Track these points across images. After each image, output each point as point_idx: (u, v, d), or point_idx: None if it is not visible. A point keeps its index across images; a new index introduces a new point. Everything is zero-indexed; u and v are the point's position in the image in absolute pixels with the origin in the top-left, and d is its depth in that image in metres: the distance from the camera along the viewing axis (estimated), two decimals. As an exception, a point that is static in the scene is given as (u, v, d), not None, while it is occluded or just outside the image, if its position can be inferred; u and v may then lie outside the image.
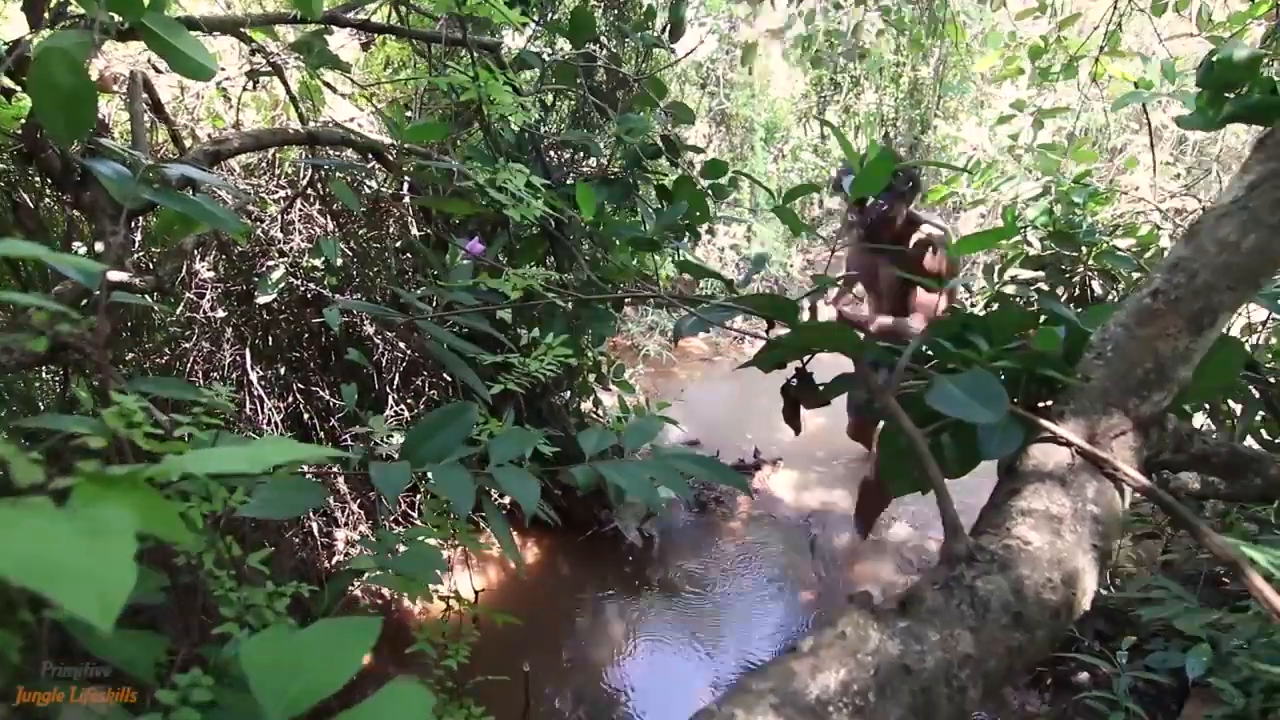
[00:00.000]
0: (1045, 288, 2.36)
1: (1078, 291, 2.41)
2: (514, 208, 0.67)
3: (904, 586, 0.69)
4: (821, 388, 0.85)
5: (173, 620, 0.83)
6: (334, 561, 2.53)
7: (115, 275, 1.33)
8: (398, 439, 2.71)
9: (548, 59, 1.79)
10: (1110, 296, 2.34)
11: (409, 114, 1.65)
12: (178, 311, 1.89)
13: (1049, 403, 0.79)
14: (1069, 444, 0.72)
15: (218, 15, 1.23)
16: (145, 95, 1.46)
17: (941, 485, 0.63)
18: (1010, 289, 2.37)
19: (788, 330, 0.72)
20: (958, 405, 0.65)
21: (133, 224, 1.46)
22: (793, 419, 0.91)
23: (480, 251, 1.15)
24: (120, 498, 0.38)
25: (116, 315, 1.57)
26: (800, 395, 0.86)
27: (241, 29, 1.23)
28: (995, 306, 2.48)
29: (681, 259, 0.86)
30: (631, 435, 0.80)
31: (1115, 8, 2.22)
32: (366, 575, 0.92)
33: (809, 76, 6.12)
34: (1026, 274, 2.38)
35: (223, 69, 1.55)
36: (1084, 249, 2.27)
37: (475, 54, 1.33)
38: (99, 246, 1.34)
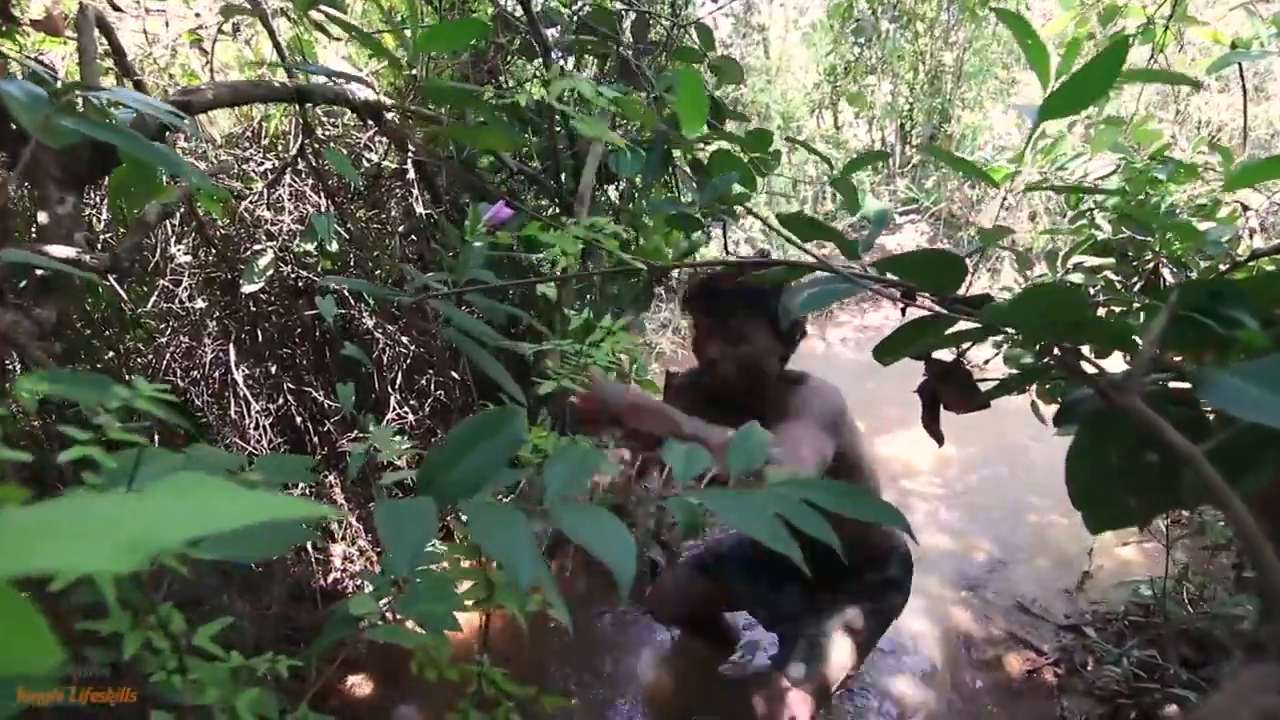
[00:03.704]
0: (1113, 276, 2.14)
1: (1147, 281, 2.19)
2: (584, 123, 0.46)
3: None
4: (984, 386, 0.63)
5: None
6: (330, 579, 2.31)
7: (61, 251, 1.10)
8: (402, 443, 2.50)
9: (572, 11, 1.57)
10: (1185, 285, 2.11)
11: (414, 72, 1.42)
12: (151, 301, 1.66)
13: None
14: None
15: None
16: (104, 41, 1.23)
17: (1253, 530, 0.40)
18: (1076, 277, 2.15)
19: (979, 302, 0.50)
20: (1262, 406, 0.43)
21: (86, 191, 1.23)
22: (933, 425, 0.68)
23: (509, 217, 0.92)
24: None
25: (69, 301, 1.34)
26: (952, 396, 0.64)
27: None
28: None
29: (803, 217, 0.66)
30: (737, 454, 0.58)
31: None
32: (365, 623, 0.70)
33: (822, 65, 5.89)
34: (1093, 261, 2.16)
35: (196, 14, 1.33)
36: (1157, 233, 2.05)
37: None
38: (42, 218, 1.12)
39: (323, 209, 1.67)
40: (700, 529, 0.51)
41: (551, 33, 1.61)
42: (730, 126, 2.05)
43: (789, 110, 5.67)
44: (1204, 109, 4.94)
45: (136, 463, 0.46)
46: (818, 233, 0.67)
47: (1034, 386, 2.38)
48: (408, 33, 1.66)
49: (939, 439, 0.69)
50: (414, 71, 1.41)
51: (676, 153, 1.74)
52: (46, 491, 0.38)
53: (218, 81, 1.17)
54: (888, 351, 0.68)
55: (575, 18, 1.53)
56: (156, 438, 1.57)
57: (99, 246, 1.20)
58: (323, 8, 1.12)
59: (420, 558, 0.40)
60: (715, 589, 1.83)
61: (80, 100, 0.68)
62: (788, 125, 5.46)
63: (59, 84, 0.94)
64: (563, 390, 0.59)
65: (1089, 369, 0.55)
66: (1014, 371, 0.57)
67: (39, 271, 1.10)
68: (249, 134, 1.66)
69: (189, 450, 0.72)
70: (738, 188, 1.53)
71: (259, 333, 1.90)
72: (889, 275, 0.62)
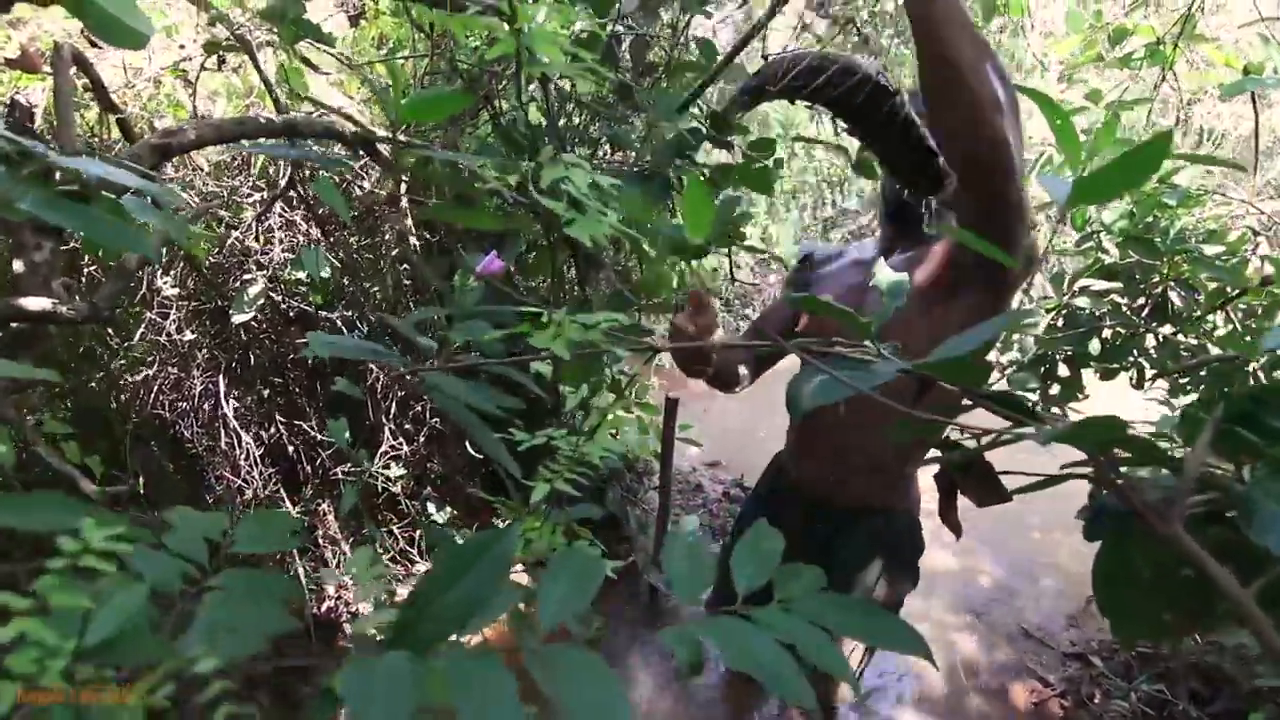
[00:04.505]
0: (1120, 300, 2.10)
1: (1155, 304, 2.15)
2: (576, 221, 0.42)
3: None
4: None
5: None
6: (324, 608, 2.27)
7: (37, 304, 1.06)
8: (397, 471, 2.45)
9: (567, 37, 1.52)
10: (1193, 312, 2.08)
11: (405, 100, 1.38)
12: (138, 334, 1.62)
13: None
14: None
15: (165, -28, 0.97)
16: (83, 76, 1.19)
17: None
18: (1082, 301, 2.11)
19: (1026, 420, 0.46)
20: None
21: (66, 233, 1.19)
22: (950, 515, 0.65)
23: (498, 270, 0.88)
24: None
25: (48, 346, 1.30)
26: (972, 488, 0.60)
27: (195, -11, 0.96)
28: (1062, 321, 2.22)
29: (799, 299, 0.62)
30: (744, 563, 0.54)
31: (1202, -14, 1.96)
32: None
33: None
34: (1100, 284, 2.12)
35: (181, 46, 1.29)
36: (1165, 257, 2.01)
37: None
38: (18, 266, 1.07)
39: (314, 238, 1.63)
40: (699, 666, 0.47)
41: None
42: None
43: (789, 118, 5.63)
44: (1206, 117, 4.90)
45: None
46: (823, 309, 0.63)
47: (1038, 409, 2.34)
48: (402, 60, 1.62)
49: (957, 531, 0.65)
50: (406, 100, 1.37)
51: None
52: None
53: (200, 120, 1.13)
54: (900, 435, 0.64)
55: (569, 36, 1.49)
56: (142, 480, 1.54)
57: (81, 289, 1.16)
58: (320, 47, 1.08)
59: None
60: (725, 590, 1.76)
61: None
62: (788, 131, 5.42)
63: (33, 133, 0.90)
64: (556, 493, 0.55)
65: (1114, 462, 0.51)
66: (1040, 476, 0.53)
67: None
68: (239, 162, 1.61)
69: (170, 512, 0.69)
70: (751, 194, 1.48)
71: (250, 362, 1.86)
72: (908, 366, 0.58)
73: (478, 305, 0.92)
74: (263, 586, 0.69)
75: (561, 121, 1.94)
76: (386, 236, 1.89)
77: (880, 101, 1.02)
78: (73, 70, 1.19)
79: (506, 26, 0.47)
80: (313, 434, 1.90)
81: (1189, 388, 2.25)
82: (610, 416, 0.62)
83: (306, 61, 1.14)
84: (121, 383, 1.73)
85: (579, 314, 0.56)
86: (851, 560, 1.32)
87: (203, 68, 1.15)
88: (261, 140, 0.89)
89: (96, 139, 1.48)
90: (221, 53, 1.16)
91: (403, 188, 1.56)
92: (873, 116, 1.03)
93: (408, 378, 0.76)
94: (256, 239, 1.58)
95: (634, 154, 1.52)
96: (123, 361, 1.70)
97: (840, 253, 1.45)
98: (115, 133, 1.41)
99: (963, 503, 0.66)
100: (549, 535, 0.59)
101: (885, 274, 0.71)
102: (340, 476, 2.07)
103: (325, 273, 1.91)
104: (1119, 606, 0.55)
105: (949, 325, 1.16)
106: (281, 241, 1.68)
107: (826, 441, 1.33)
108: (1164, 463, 0.50)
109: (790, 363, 1.51)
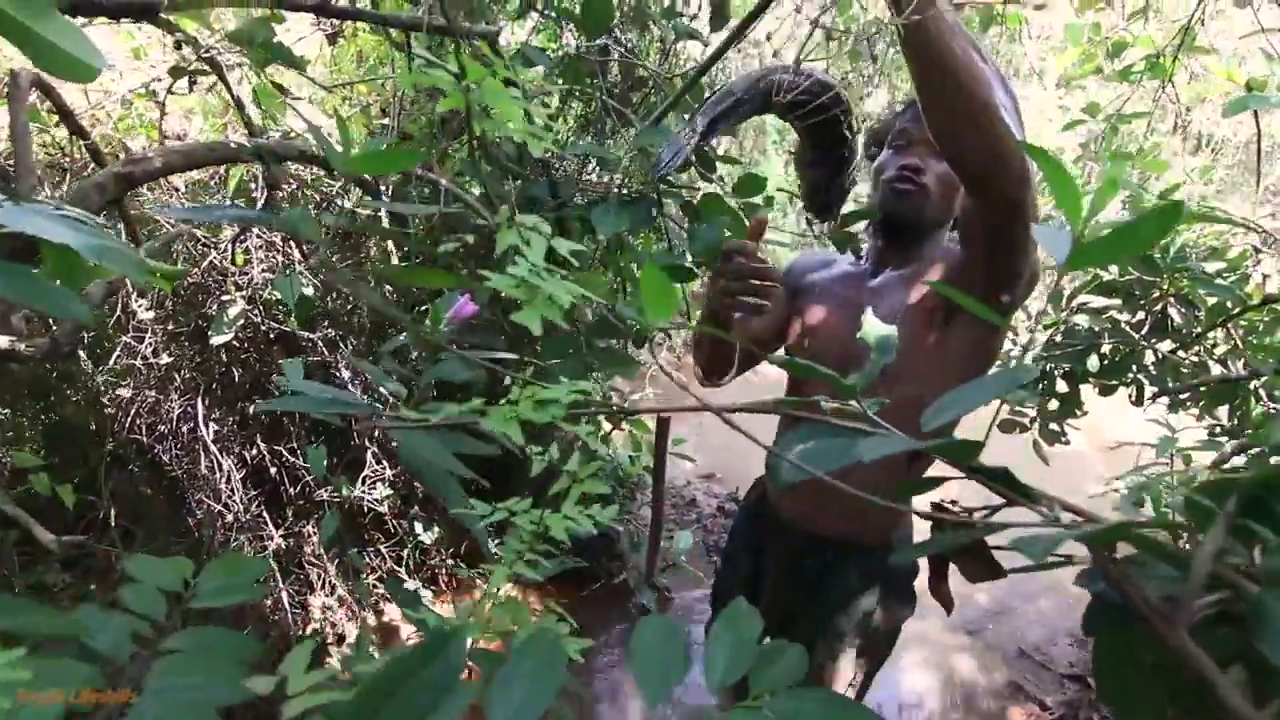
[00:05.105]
0: (1120, 316, 2.06)
1: (1154, 320, 2.12)
2: (530, 302, 0.38)
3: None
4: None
5: None
6: (309, 630, 2.23)
7: (-7, 340, 1.02)
8: (384, 490, 2.40)
9: (554, 55, 1.49)
10: (1193, 329, 2.05)
11: (385, 121, 1.34)
12: (113, 358, 1.58)
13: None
14: None
15: (126, -5, 0.92)
16: (47, 101, 1.15)
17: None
18: (1082, 318, 2.08)
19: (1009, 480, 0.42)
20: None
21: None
22: (941, 590, 0.61)
23: (472, 313, 0.84)
24: None
25: (18, 378, 1.26)
26: (969, 568, 0.56)
27: (158, 14, 0.92)
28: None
29: (782, 361, 0.59)
30: (719, 654, 0.50)
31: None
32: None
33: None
34: (1099, 301, 2.09)
35: (152, 66, 1.25)
36: (1165, 273, 1.98)
37: (468, 43, 1.02)
38: (-25, 300, 1.03)
39: (291, 261, 1.59)
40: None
41: (537, 71, 1.53)
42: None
43: (785, 127, 5.59)
44: (1205, 123, 4.86)
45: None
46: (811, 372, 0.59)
47: (1036, 425, 2.31)
48: (385, 75, 1.58)
49: (948, 606, 0.61)
50: (386, 121, 1.33)
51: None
52: None
53: (169, 146, 1.09)
54: (905, 554, 0.61)
55: (557, 60, 1.45)
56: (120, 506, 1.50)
57: (44, 323, 1.12)
58: (282, 66, 1.04)
59: None
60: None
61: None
62: (783, 140, 5.37)
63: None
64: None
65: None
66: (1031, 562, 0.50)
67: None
68: (215, 179, 1.57)
69: (129, 562, 0.65)
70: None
71: (231, 384, 1.82)
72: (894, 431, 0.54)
73: (451, 342, 0.88)
74: (220, 648, 0.65)
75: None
76: (371, 254, 1.85)
77: (842, 120, 1.04)
78: (35, 96, 1.15)
79: (455, 81, 0.43)
80: (294, 458, 1.86)
81: (1189, 404, 2.22)
82: (583, 481, 0.58)
83: (278, 86, 1.11)
84: (98, 406, 1.69)
85: (549, 377, 0.52)
86: (845, 597, 1.27)
87: (169, 91, 1.11)
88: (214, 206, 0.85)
89: (67, 158, 1.44)
90: (191, 76, 1.12)
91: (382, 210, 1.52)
92: (829, 132, 1.05)
93: (377, 433, 0.72)
94: (233, 261, 1.54)
95: (620, 176, 1.48)
96: (99, 385, 1.66)
97: (828, 260, 1.37)
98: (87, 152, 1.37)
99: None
100: (514, 611, 0.55)
101: (873, 326, 0.67)
102: (325, 497, 2.03)
103: (309, 290, 1.87)
104: (1122, 696, 0.52)
105: (949, 349, 1.13)
106: (261, 261, 1.64)
107: (808, 484, 1.28)
108: (1173, 560, 0.46)
109: (781, 371, 1.45)
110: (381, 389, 0.76)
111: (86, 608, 0.66)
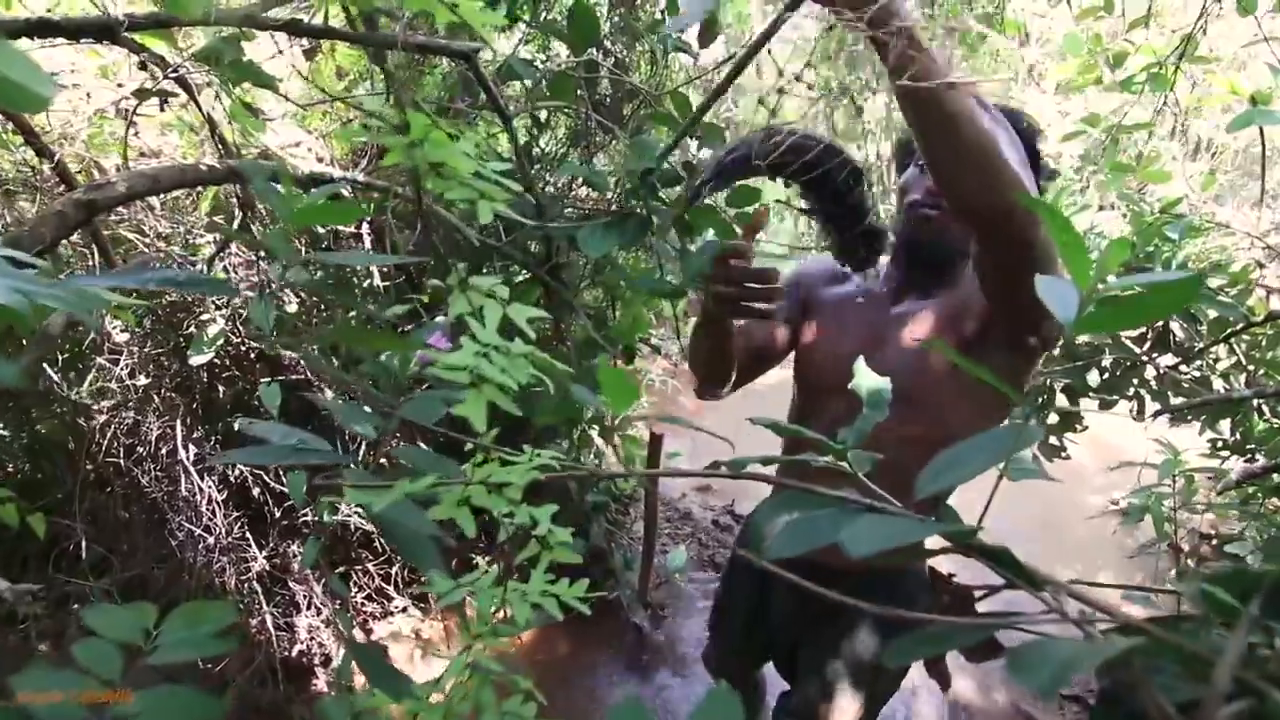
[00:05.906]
0: (1120, 331, 2.02)
1: (1156, 335, 2.08)
2: (468, 398, 0.34)
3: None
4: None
5: None
6: (295, 651, 2.18)
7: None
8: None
9: (540, 68, 1.44)
10: (1195, 344, 2.01)
11: (363, 140, 1.30)
12: (88, 381, 1.54)
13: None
14: None
15: (86, 17, 0.88)
16: (10, 122, 1.11)
17: None
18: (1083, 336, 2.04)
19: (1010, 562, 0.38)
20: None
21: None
22: (938, 666, 0.57)
23: (447, 348, 0.80)
24: None
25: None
26: (969, 648, 0.52)
27: (117, 35, 0.88)
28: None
29: (763, 422, 0.55)
30: None
31: (1204, 8, 1.89)
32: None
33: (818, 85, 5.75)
34: (1099, 315, 2.04)
35: (119, 85, 1.21)
36: (1167, 287, 1.93)
37: (442, 63, 0.98)
38: (-71, 333, 0.99)
39: (272, 277, 1.55)
40: None
41: (523, 84, 1.49)
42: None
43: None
44: (1205, 128, 4.83)
45: None
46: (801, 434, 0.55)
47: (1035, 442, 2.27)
48: (362, 98, 1.54)
49: (945, 683, 0.57)
50: (365, 139, 1.29)
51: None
52: None
53: (135, 171, 1.05)
54: (903, 656, 0.57)
55: (544, 73, 1.41)
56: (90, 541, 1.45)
57: (5, 353, 1.08)
58: (252, 85, 1.00)
59: None
60: (723, 646, 1.60)
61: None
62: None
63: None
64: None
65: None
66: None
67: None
68: (191, 197, 1.53)
69: (88, 612, 0.61)
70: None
71: (212, 404, 1.77)
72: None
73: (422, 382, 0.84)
74: (181, 711, 0.61)
75: (535, 150, 1.86)
76: (359, 269, 1.81)
77: (852, 183, 0.98)
78: (-5, 118, 1.11)
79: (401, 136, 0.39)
80: (278, 479, 1.82)
81: (1190, 418, 2.18)
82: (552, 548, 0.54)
83: (248, 106, 1.06)
84: (76, 428, 1.65)
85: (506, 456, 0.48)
86: (854, 631, 1.23)
87: (134, 111, 1.07)
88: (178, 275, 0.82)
89: (37, 175, 1.40)
90: (161, 95, 1.08)
91: (365, 227, 1.48)
92: (841, 197, 0.98)
93: (333, 493, 0.68)
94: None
95: (610, 194, 1.45)
96: (75, 406, 1.61)
97: (837, 274, 1.27)
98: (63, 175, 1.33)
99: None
100: (478, 693, 0.51)
101: (865, 378, 0.63)
102: (309, 517, 1.98)
103: (291, 307, 1.83)
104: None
105: (971, 386, 1.06)
106: (242, 281, 1.60)
107: None
108: (1197, 666, 0.42)
109: (780, 375, 1.38)
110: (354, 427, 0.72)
111: (32, 670, 0.62)
